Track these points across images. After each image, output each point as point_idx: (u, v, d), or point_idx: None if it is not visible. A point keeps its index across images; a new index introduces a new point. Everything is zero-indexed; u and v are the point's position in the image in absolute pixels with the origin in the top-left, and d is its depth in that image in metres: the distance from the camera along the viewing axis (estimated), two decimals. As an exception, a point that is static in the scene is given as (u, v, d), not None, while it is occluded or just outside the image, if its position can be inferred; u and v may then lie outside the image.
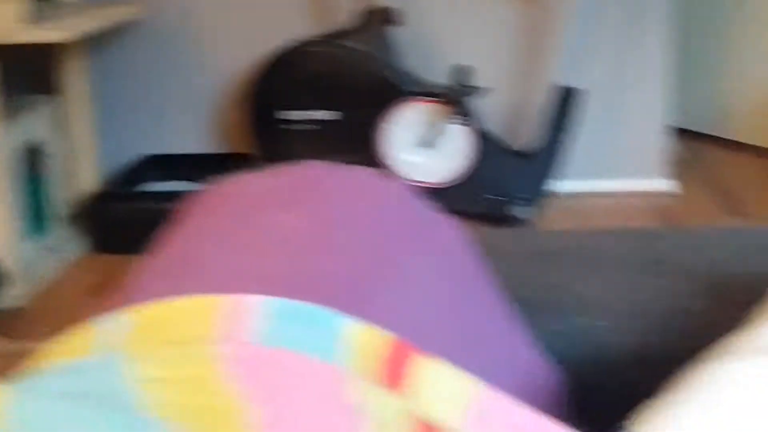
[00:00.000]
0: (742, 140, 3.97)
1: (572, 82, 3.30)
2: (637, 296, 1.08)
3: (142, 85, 3.56)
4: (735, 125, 4.01)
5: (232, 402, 0.52)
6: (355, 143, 3.34)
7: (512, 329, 0.88)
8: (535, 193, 3.36)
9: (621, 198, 3.56)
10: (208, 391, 0.53)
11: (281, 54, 3.34)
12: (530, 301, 1.07)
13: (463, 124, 3.26)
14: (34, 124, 2.96)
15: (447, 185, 3.30)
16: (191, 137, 3.60)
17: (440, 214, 0.88)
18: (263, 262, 0.65)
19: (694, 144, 4.01)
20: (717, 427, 0.68)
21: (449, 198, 3.32)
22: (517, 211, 3.30)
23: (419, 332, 0.71)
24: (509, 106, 3.56)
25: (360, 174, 0.84)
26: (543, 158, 3.34)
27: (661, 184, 3.58)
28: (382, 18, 3.35)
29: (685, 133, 3.97)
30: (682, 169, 3.69)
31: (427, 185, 3.28)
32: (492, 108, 3.46)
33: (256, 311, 0.57)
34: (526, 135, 3.45)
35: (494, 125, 3.45)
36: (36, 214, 2.97)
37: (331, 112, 3.35)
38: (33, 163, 2.97)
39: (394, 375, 0.57)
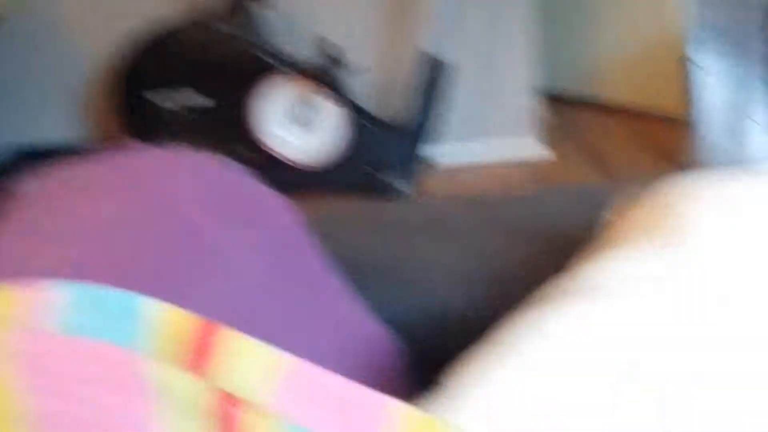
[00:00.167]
0: (611, 103, 4.06)
1: (441, 52, 3.33)
2: (488, 263, 1.10)
3: (9, 77, 3.47)
4: (603, 88, 4.10)
5: (7, 395, 0.51)
6: (229, 125, 3.32)
7: (348, 303, 0.89)
8: (411, 164, 3.39)
9: (495, 165, 3.61)
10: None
11: (148, 37, 3.29)
12: (379, 272, 1.08)
13: (335, 99, 3.26)
14: None
15: (324, 162, 3.30)
16: (63, 126, 3.53)
17: (271, 194, 0.89)
18: (72, 251, 0.65)
19: (565, 108, 4.09)
20: (527, 376, 0.70)
21: (327, 175, 3.33)
22: (395, 182, 3.33)
23: (239, 314, 0.71)
24: (381, 78, 3.57)
25: (184, 156, 0.83)
26: (417, 129, 3.37)
27: (535, 150, 3.64)
28: (249, -3, 3.33)
29: (555, 98, 4.04)
30: (554, 133, 3.76)
31: (304, 163, 3.28)
32: (364, 81, 3.47)
33: (56, 299, 0.57)
34: (399, 107, 3.47)
35: (367, 99, 3.46)
36: None
37: (202, 94, 3.31)
38: None
39: (199, 355, 0.57)
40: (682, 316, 0.73)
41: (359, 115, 3.30)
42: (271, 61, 3.29)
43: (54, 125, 3.52)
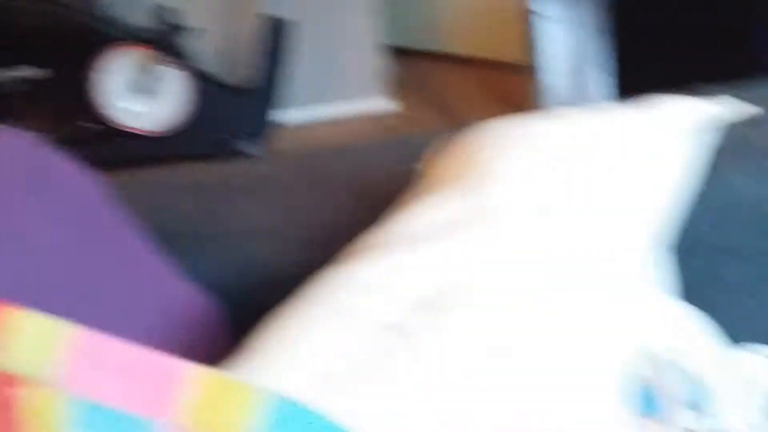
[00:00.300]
0: (456, 53, 4.10)
1: (282, 12, 3.30)
2: (309, 219, 1.09)
3: None
4: (448, 40, 4.14)
5: None
6: (69, 99, 3.23)
7: (162, 270, 0.88)
8: (259, 127, 3.36)
9: (344, 121, 3.62)
10: None
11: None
12: (199, 236, 1.07)
13: (177, 66, 3.20)
14: None
15: (170, 130, 3.25)
16: None
17: (77, 169, 0.86)
18: None
19: (411, 61, 4.12)
20: (331, 327, 0.70)
21: (174, 142, 3.27)
22: (245, 146, 3.30)
23: (35, 288, 0.69)
24: (223, 42, 3.52)
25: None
26: (263, 91, 3.34)
27: (383, 104, 3.66)
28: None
29: (401, 52, 4.06)
30: (401, 86, 3.78)
31: (150, 132, 3.22)
32: (205, 46, 3.42)
33: None
34: (244, 70, 3.43)
35: (211, 63, 3.41)
36: None
37: (39, 67, 3.21)
38: None
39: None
40: (478, 258, 0.74)
41: (204, 81, 3.25)
42: (108, 30, 3.20)
43: None
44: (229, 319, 0.93)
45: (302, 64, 3.49)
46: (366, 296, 0.73)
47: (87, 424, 0.55)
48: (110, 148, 3.15)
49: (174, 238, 1.06)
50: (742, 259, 1.08)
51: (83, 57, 3.19)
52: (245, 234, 1.07)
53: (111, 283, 0.77)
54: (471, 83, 3.91)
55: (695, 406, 0.87)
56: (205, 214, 1.11)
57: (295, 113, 3.53)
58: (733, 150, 1.10)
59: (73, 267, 0.73)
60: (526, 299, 0.74)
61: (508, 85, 3.82)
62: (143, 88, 3.21)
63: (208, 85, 3.25)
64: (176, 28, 3.19)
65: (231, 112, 3.32)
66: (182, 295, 0.88)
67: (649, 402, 0.81)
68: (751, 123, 1.16)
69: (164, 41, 3.17)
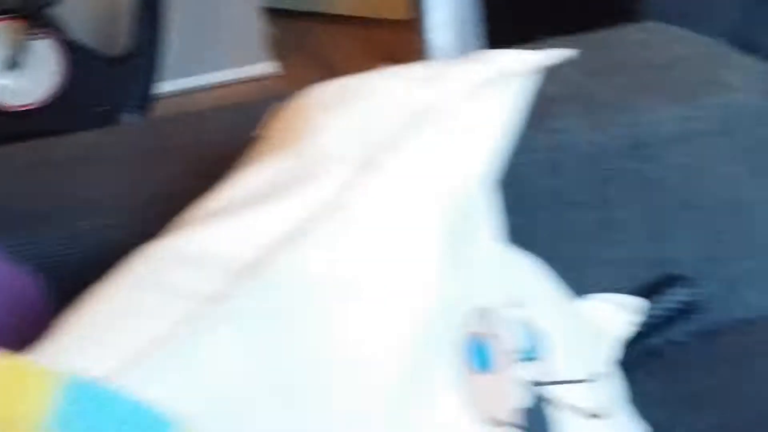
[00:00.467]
0: (338, 12, 4.07)
1: (154, -22, 3.23)
2: (150, 190, 1.07)
3: None
4: (329, -2, 4.10)
5: None
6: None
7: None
8: (140, 98, 3.29)
9: (227, 88, 3.57)
10: None
11: None
12: (28, 211, 1.04)
13: (48, 37, 3.11)
14: None
15: (43, 104, 3.16)
16: None
17: None
18: None
19: (292, 22, 4.07)
20: (152, 302, 0.69)
21: (49, 117, 3.18)
22: (125, 118, 3.23)
23: None
24: (96, 10, 3.43)
25: None
26: (142, 61, 3.27)
27: (265, 68, 3.62)
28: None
29: (281, 13, 4.01)
30: (282, 48, 3.74)
31: (22, 107, 3.13)
32: (78, 15, 3.32)
33: None
34: (120, 39, 3.35)
35: (84, 33, 3.32)
36: None
37: None
38: None
39: None
40: (300, 219, 0.73)
41: (77, 52, 3.17)
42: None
43: None
44: (61, 297, 0.91)
45: (181, 32, 3.42)
46: (183, 268, 0.72)
47: None
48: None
49: (11, 218, 1.03)
50: (586, 208, 1.09)
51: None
52: (84, 209, 1.04)
53: None
54: (355, 42, 3.88)
55: (533, 357, 0.88)
56: (44, 190, 1.08)
57: (173, 79, 3.46)
58: (573, 101, 1.11)
59: None
60: (352, 258, 0.73)
61: (392, 42, 3.80)
62: (11, 63, 3.11)
63: (81, 56, 3.17)
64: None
65: (110, 84, 3.24)
66: (8, 277, 0.85)
67: (482, 356, 0.82)
68: (590, 73, 1.17)
69: (34, 12, 3.07)
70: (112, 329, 0.68)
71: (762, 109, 1.10)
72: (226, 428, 0.64)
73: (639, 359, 1.08)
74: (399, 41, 3.70)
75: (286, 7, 4.05)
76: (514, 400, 0.82)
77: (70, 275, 0.98)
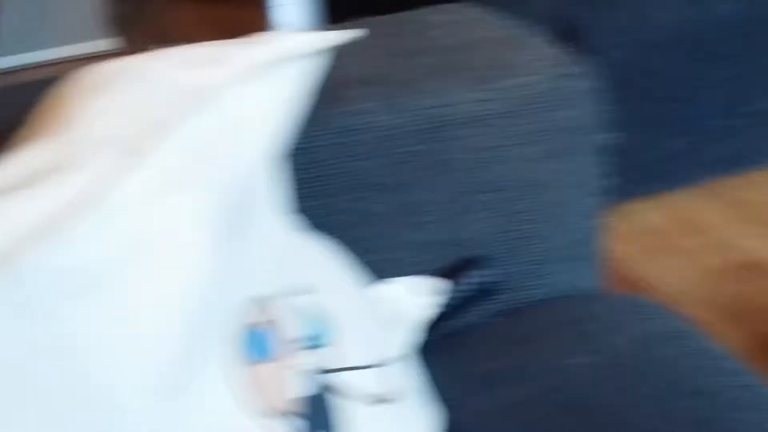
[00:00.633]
0: (179, -11, 3.98)
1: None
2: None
3: None
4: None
5: None
6: None
7: None
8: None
9: (64, 64, 3.45)
10: None
11: None
12: None
13: None
14: None
15: None
16: None
17: None
18: None
19: (133, -1, 3.96)
20: None
21: None
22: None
23: None
24: None
25: None
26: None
27: (104, 44, 3.51)
28: None
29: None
30: (124, 26, 3.64)
31: None
32: None
33: None
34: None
35: None
36: None
37: None
38: None
39: None
40: (56, 211, 0.70)
41: None
42: None
43: None
44: None
45: (16, 7, 3.29)
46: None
47: None
48: None
49: None
50: (386, 190, 1.09)
51: None
52: None
53: None
54: (198, 18, 3.80)
55: (319, 344, 0.87)
56: None
57: (12, 58, 3.33)
58: (372, 83, 1.10)
59: None
60: (107, 249, 0.70)
61: (236, 18, 3.74)
62: None
63: None
64: None
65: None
66: None
67: (261, 346, 0.80)
68: (391, 54, 1.16)
69: None
70: None
71: (554, 91, 1.11)
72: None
73: (440, 341, 1.09)
74: (243, 18, 3.65)
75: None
76: (295, 389, 0.81)
77: None
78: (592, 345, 1.07)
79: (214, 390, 0.75)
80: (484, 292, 1.11)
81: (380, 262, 1.08)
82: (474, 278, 1.10)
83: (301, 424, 0.80)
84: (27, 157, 0.77)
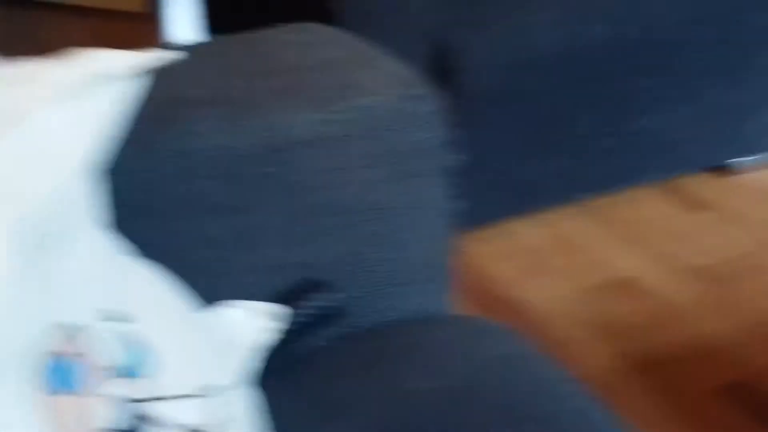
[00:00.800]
0: (67, 2, 3.90)
1: None
2: None
3: None
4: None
5: None
6: None
7: None
8: None
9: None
10: None
11: None
12: None
13: None
14: None
15: None
16: None
17: None
18: None
19: (19, 12, 3.88)
20: None
21: None
22: None
23: None
24: None
25: None
26: None
27: (-13, 59, 3.43)
28: None
29: (7, 2, 3.81)
30: (9, 39, 3.55)
31: None
32: None
33: None
34: None
35: None
36: None
37: None
38: None
39: None
40: None
41: None
42: None
43: None
44: None
45: None
46: None
47: None
48: None
49: None
50: (224, 213, 1.06)
51: None
52: None
53: None
54: (88, 34, 3.73)
55: (134, 374, 0.84)
56: None
57: None
58: (211, 103, 1.08)
59: None
60: None
61: (128, 34, 3.68)
62: None
63: None
64: None
65: None
66: None
67: (63, 376, 0.77)
68: (233, 74, 1.14)
69: None
70: None
71: (399, 113, 1.10)
72: None
73: (282, 367, 1.06)
74: (135, 34, 3.59)
75: (12, -5, 3.85)
76: (102, 420, 0.79)
77: None
78: (434, 370, 1.05)
79: (8, 420, 0.72)
80: (326, 317, 1.09)
81: (219, 287, 1.06)
82: (316, 303, 1.08)
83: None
84: None
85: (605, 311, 1.96)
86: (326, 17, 1.81)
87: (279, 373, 1.06)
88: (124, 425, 0.80)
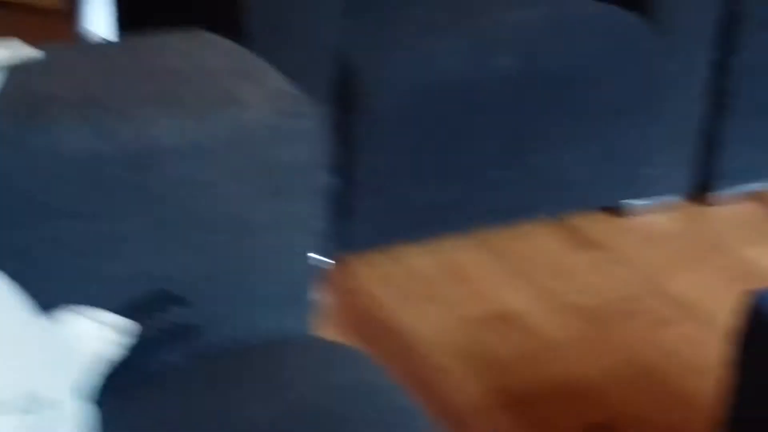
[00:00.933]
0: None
1: None
2: None
3: None
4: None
5: None
6: None
7: None
8: None
9: None
10: None
11: None
12: None
13: None
14: None
15: None
16: None
17: None
18: None
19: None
20: None
21: None
22: None
23: None
24: None
25: None
26: None
27: None
28: None
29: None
30: None
31: None
32: None
33: None
34: None
35: None
36: None
37: None
38: None
39: None
40: None
41: None
42: None
43: None
44: None
45: None
46: None
47: None
48: None
49: None
50: (84, 219, 1.03)
51: None
52: None
53: None
54: (6, 29, 3.63)
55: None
56: None
57: None
58: (79, 106, 1.04)
59: None
60: None
61: (44, 30, 3.60)
62: None
63: None
64: None
65: None
66: None
67: None
68: (107, 78, 1.11)
69: None
70: None
71: (274, 128, 1.08)
72: None
73: (123, 384, 1.03)
74: (51, 30, 3.51)
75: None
76: None
77: None
78: (281, 394, 1.03)
79: None
80: (178, 334, 1.06)
81: (69, 294, 1.02)
82: (168, 318, 1.05)
83: None
84: None
85: (483, 344, 1.96)
86: (235, 29, 1.79)
87: (120, 390, 1.02)
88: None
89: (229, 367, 1.07)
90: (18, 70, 1.03)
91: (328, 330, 1.90)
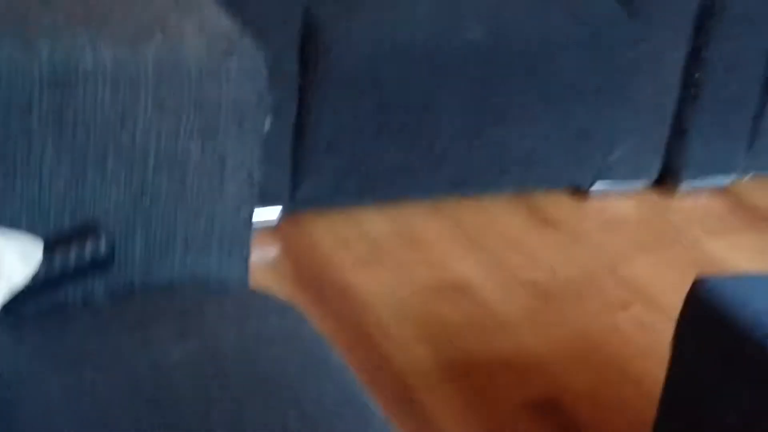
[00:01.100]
0: None
1: None
2: None
3: None
4: None
5: None
6: None
7: None
8: None
9: None
10: None
11: None
12: None
13: None
14: None
15: None
16: None
17: None
18: None
19: None
20: None
21: None
22: None
23: None
24: None
25: None
26: None
27: None
28: None
29: None
30: None
31: None
32: None
33: None
34: None
35: None
36: None
37: None
38: None
39: None
40: None
41: None
42: None
43: None
44: None
45: None
46: None
47: None
48: None
49: None
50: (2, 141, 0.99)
51: None
52: None
53: None
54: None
55: None
56: None
57: None
58: (5, 23, 1.00)
59: None
60: None
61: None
62: None
63: None
64: None
65: None
66: None
67: None
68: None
69: None
70: None
71: (208, 63, 1.04)
72: None
73: (40, 312, 1.00)
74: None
75: None
76: None
77: None
78: (198, 338, 1.00)
79: None
80: (93, 266, 1.02)
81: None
82: (84, 249, 1.01)
83: None
84: None
85: (431, 311, 1.93)
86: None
87: (36, 318, 0.99)
88: None
89: (147, 306, 1.04)
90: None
91: (273, 285, 1.88)
